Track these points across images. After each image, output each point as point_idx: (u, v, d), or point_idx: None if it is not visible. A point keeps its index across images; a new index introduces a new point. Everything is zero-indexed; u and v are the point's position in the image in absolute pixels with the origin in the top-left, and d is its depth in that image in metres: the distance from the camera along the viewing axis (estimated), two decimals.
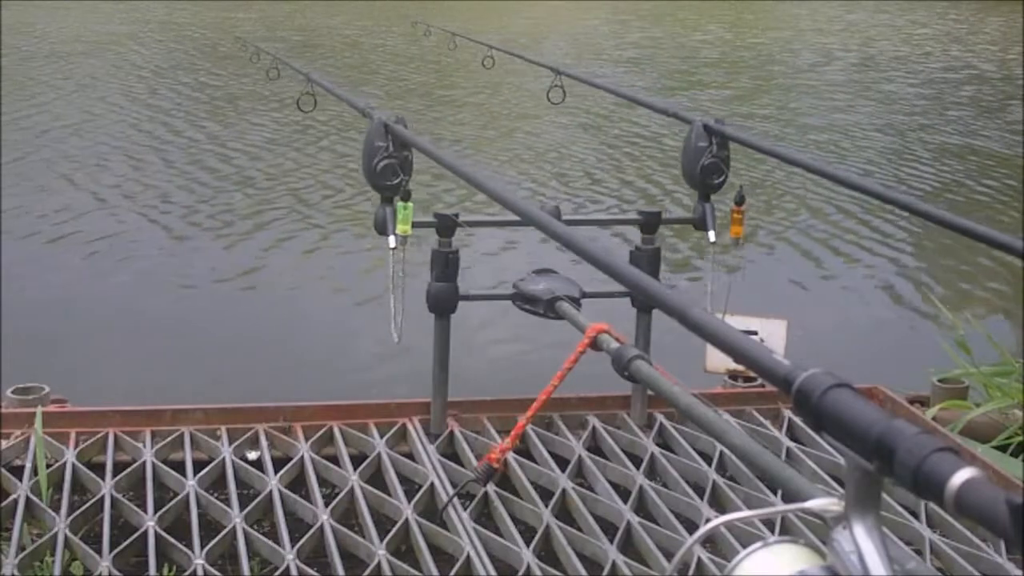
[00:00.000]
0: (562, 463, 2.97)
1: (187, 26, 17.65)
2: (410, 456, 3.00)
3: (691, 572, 2.49)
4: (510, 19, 19.44)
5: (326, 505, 2.71)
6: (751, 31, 19.29)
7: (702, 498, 2.80)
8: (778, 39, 18.17)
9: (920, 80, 13.86)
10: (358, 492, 2.79)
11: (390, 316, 2.97)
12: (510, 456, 2.85)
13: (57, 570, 2.43)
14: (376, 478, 2.90)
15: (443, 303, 2.99)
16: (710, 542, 2.59)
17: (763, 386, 3.30)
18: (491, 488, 2.76)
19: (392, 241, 2.88)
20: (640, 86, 12.83)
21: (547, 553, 2.59)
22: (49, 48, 14.78)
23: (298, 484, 2.86)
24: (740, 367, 2.85)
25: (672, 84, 13.36)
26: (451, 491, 2.75)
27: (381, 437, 3.05)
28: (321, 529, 2.61)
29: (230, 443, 2.99)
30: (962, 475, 0.85)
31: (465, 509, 2.73)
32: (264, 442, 3.01)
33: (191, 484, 2.78)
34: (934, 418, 3.31)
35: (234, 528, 2.60)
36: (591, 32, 18.37)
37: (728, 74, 14.20)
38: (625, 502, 2.77)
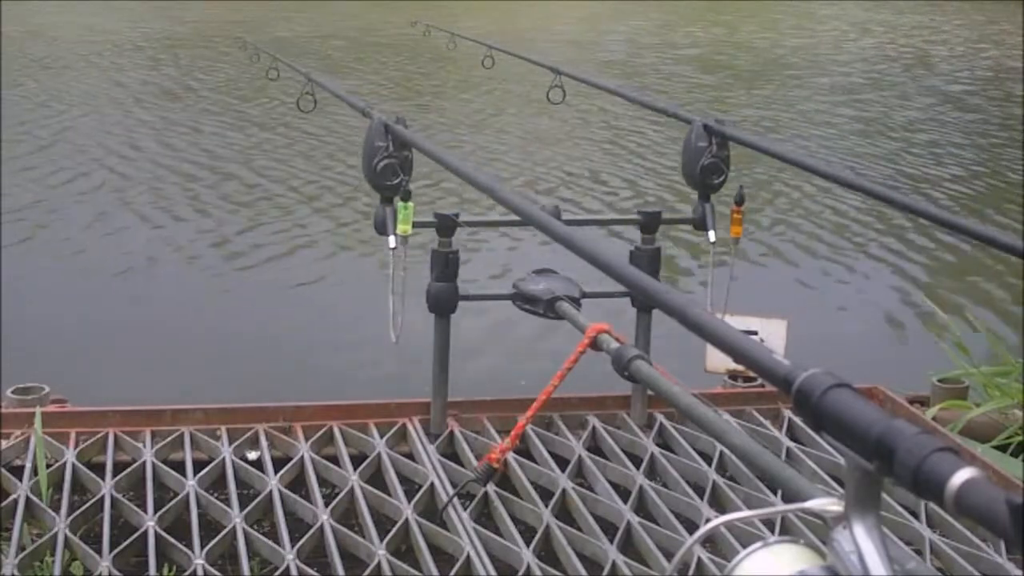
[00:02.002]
0: (562, 463, 2.97)
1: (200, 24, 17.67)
2: (410, 456, 3.00)
3: (691, 572, 2.48)
4: (555, 21, 19.37)
5: (326, 505, 2.71)
6: (795, 31, 19.23)
7: (702, 498, 2.80)
8: (821, 40, 18.11)
9: (978, 79, 13.83)
10: (358, 492, 2.79)
11: (389, 316, 2.97)
12: (510, 456, 2.84)
13: (57, 570, 2.43)
14: (376, 478, 2.90)
15: (443, 303, 2.99)
16: (710, 542, 2.59)
17: (763, 386, 3.30)
18: (491, 488, 2.76)
19: (392, 241, 2.88)
20: (716, 85, 12.88)
21: (547, 553, 2.59)
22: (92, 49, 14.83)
23: (298, 484, 2.86)
24: (740, 367, 2.85)
25: (748, 84, 13.35)
26: (451, 491, 2.75)
27: (381, 437, 3.05)
28: (321, 529, 2.61)
29: (230, 443, 2.99)
30: (962, 475, 0.85)
31: (465, 509, 2.73)
32: (264, 442, 3.01)
33: (191, 484, 2.78)
34: (934, 418, 3.31)
35: (234, 528, 2.60)
36: (641, 32, 18.32)
37: (797, 72, 14.20)
38: (625, 502, 2.77)
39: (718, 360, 3.29)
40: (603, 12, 20.88)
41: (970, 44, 17.67)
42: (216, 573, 2.44)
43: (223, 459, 2.92)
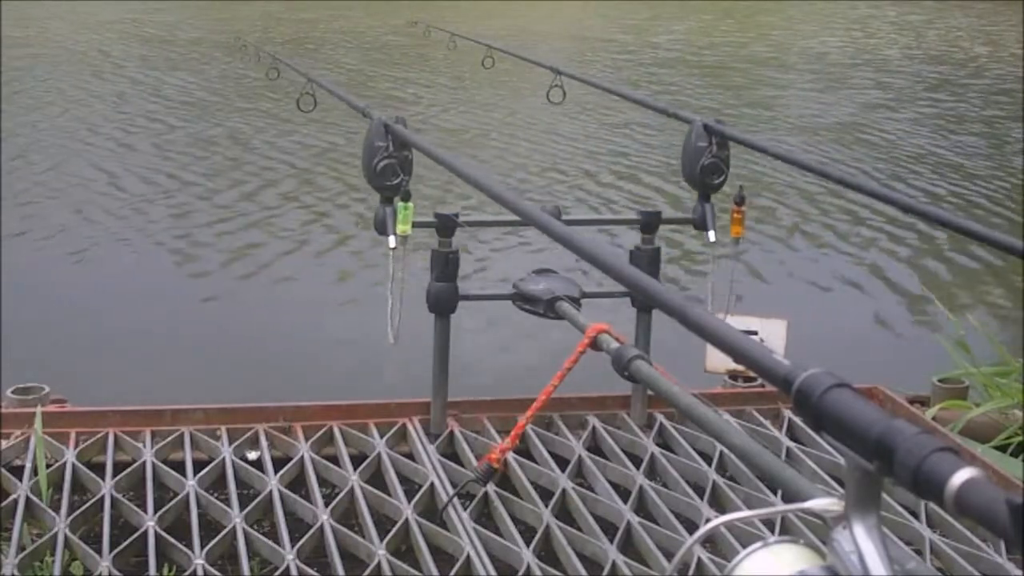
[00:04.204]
0: (562, 463, 2.97)
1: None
2: (410, 456, 3.00)
3: (691, 572, 2.48)
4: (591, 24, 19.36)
5: (326, 505, 2.71)
6: (835, 31, 19.20)
7: (702, 498, 2.80)
8: (862, 40, 18.07)
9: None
10: (358, 492, 2.79)
11: (387, 316, 2.97)
12: (510, 456, 2.85)
13: (57, 570, 2.43)
14: (376, 478, 2.90)
15: (443, 303, 2.99)
16: (710, 542, 2.59)
17: (763, 386, 3.30)
18: (491, 488, 2.76)
19: (392, 241, 2.88)
20: (793, 83, 12.88)
21: (547, 553, 2.59)
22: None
23: (298, 484, 2.86)
24: (740, 367, 2.84)
25: (829, 84, 13.36)
26: (451, 491, 2.75)
27: (381, 437, 3.05)
28: (321, 529, 2.61)
29: (230, 443, 2.99)
30: (962, 475, 0.85)
31: (465, 509, 2.73)
32: (264, 442, 3.01)
33: (191, 484, 2.78)
34: (934, 418, 3.31)
35: (234, 528, 2.60)
36: (690, 32, 18.30)
37: (870, 73, 14.21)
38: (625, 502, 2.77)
39: (718, 360, 3.28)
40: (627, 14, 20.82)
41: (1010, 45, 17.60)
42: (216, 573, 2.44)
43: (223, 459, 2.92)
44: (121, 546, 2.50)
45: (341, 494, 2.78)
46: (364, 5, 20.13)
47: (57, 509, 2.66)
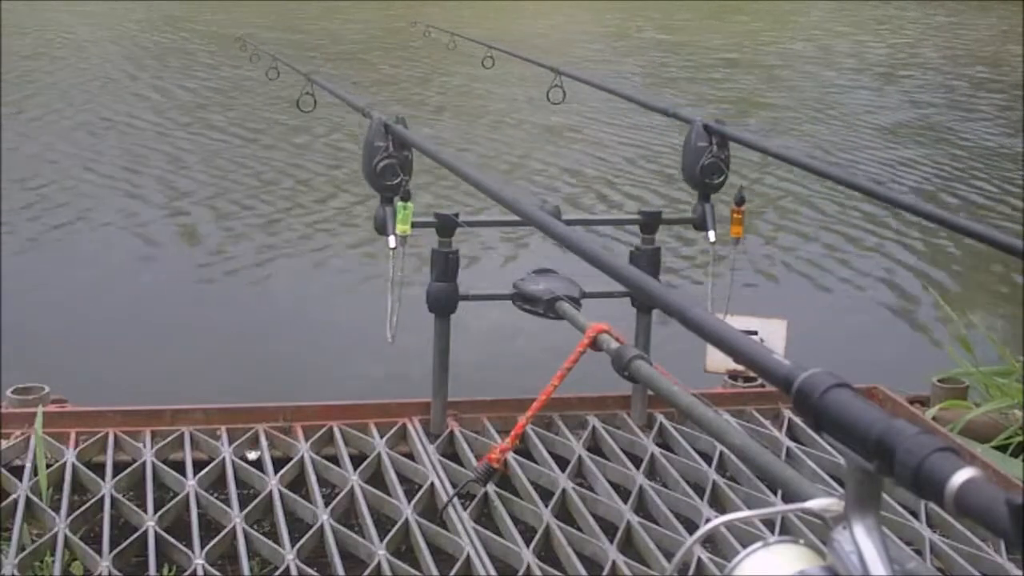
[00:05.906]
0: (562, 463, 2.97)
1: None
2: (410, 456, 3.00)
3: (691, 572, 2.49)
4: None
5: (326, 505, 2.71)
6: (865, 31, 19.13)
7: (702, 498, 2.80)
8: (888, 39, 18.02)
9: None
10: (358, 492, 2.79)
11: (387, 316, 2.97)
12: (510, 456, 2.84)
13: (57, 570, 2.43)
14: (376, 478, 2.90)
15: (443, 303, 2.99)
16: (710, 542, 2.59)
17: (763, 386, 3.30)
18: (491, 488, 2.76)
19: (392, 241, 2.89)
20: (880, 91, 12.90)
21: (547, 553, 2.59)
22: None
23: (298, 484, 2.86)
24: (740, 367, 2.84)
25: (882, 84, 13.34)
26: (451, 491, 2.75)
27: (381, 437, 3.05)
28: (321, 529, 2.61)
29: (230, 443, 2.99)
30: (962, 475, 0.85)
31: (465, 509, 2.73)
32: (264, 442, 3.01)
33: (191, 484, 2.78)
34: (934, 418, 3.31)
35: (234, 528, 2.60)
36: (730, 33, 18.29)
37: (917, 73, 14.19)
38: (625, 502, 2.77)
39: (718, 360, 3.28)
40: (665, 14, 20.71)
41: None
42: (216, 573, 2.44)
43: (223, 459, 2.92)
44: (121, 546, 2.50)
45: (341, 494, 2.78)
46: (402, 6, 20.06)
47: (57, 509, 2.66)
